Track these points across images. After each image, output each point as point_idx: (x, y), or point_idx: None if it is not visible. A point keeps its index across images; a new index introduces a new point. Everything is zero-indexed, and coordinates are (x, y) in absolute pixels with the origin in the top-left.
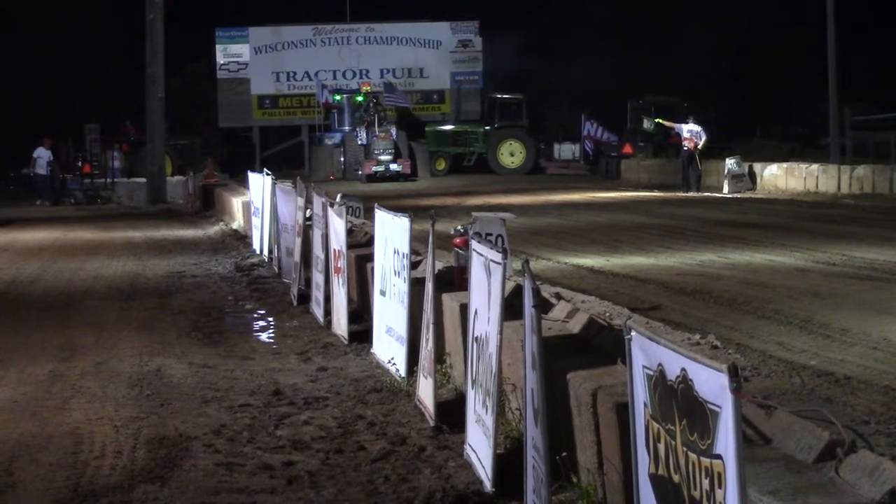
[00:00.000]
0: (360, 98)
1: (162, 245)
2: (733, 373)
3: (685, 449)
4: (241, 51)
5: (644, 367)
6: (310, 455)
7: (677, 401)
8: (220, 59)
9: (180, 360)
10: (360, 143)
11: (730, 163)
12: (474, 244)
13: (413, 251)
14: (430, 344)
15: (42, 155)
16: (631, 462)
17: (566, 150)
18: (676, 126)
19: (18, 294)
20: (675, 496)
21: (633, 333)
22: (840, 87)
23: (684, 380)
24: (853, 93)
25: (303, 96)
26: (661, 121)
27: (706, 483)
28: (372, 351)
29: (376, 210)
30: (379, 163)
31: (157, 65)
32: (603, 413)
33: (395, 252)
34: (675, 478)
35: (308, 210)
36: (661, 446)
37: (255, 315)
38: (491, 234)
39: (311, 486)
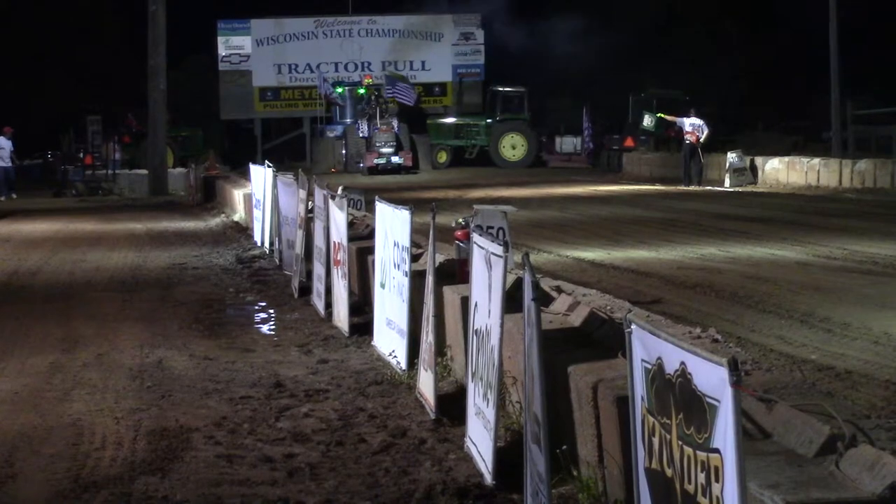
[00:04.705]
0: (361, 90)
1: (163, 237)
2: (733, 366)
3: (680, 443)
4: (243, 43)
5: (643, 360)
6: (310, 447)
7: (674, 394)
8: (221, 51)
9: (181, 352)
10: (361, 135)
11: (731, 156)
12: (475, 237)
13: (414, 244)
14: (431, 337)
15: (4, 145)
16: (631, 456)
17: (568, 144)
18: (678, 120)
19: (20, 285)
20: (667, 490)
21: (633, 327)
22: (842, 80)
23: (683, 373)
24: (855, 87)
25: (304, 88)
26: (662, 115)
27: (702, 477)
28: (373, 343)
29: (377, 202)
30: (380, 155)
31: (159, 56)
32: (603, 406)
33: (395, 245)
34: (668, 472)
35: (309, 202)
36: (656, 440)
37: (257, 307)
38: (492, 227)
39: (311, 478)
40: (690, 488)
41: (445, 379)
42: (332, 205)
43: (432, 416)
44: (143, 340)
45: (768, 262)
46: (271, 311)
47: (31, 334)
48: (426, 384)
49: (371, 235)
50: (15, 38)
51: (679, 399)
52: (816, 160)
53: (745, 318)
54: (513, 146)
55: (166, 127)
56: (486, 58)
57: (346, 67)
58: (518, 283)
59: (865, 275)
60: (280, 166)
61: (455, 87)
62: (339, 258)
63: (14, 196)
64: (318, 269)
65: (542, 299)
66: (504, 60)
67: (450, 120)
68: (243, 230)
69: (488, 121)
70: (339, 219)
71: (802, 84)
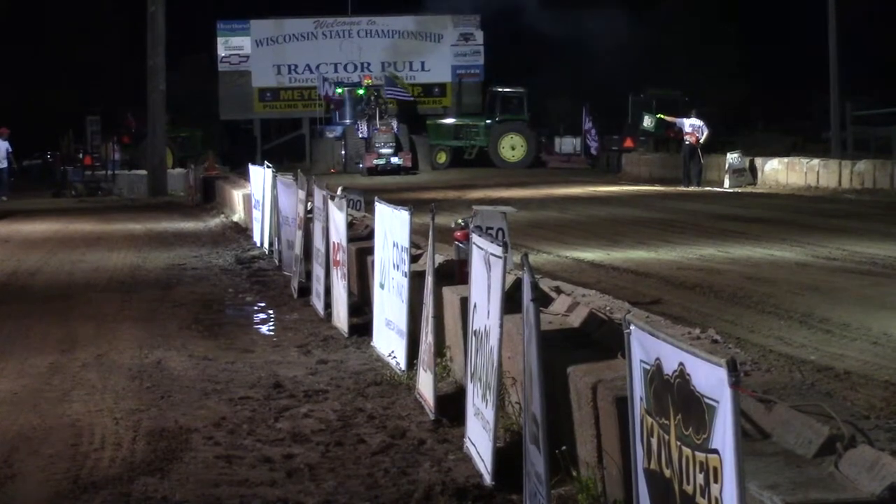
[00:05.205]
0: (361, 91)
1: (162, 237)
2: (732, 367)
3: (679, 443)
4: (243, 43)
5: (642, 361)
6: (310, 448)
7: (673, 395)
8: (221, 52)
9: (180, 353)
10: (361, 136)
11: (731, 157)
12: (475, 237)
13: (414, 244)
14: (430, 337)
15: (0, 146)
16: (630, 456)
17: (567, 144)
18: (678, 121)
19: (19, 286)
20: (666, 491)
21: (632, 327)
22: (841, 81)
23: (681, 374)
24: (855, 87)
25: (304, 89)
26: (662, 116)
27: (700, 478)
28: (372, 344)
29: (376, 203)
30: (380, 156)
31: (159, 57)
32: (603, 407)
33: (394, 245)
34: (667, 472)
35: (309, 203)
36: (655, 441)
37: (256, 308)
38: (492, 228)
39: (310, 478)
40: (689, 489)
41: (445, 379)
42: (331, 205)
43: (431, 416)
44: (142, 341)
45: (767, 263)
46: (270, 311)
47: (30, 335)
48: (425, 385)
49: (370, 236)
50: (15, 38)
51: (678, 400)
52: (816, 161)
53: (745, 319)
54: (512, 147)
55: (165, 127)
56: (485, 58)
57: (345, 68)
58: (517, 283)
59: (865, 275)
60: (279, 167)
61: (454, 88)
62: (338, 259)
63: (4, 199)
64: (318, 269)
65: (542, 300)
66: (503, 60)
67: (449, 121)
68: (242, 231)
69: (487, 121)
70: (338, 219)
71: (802, 84)
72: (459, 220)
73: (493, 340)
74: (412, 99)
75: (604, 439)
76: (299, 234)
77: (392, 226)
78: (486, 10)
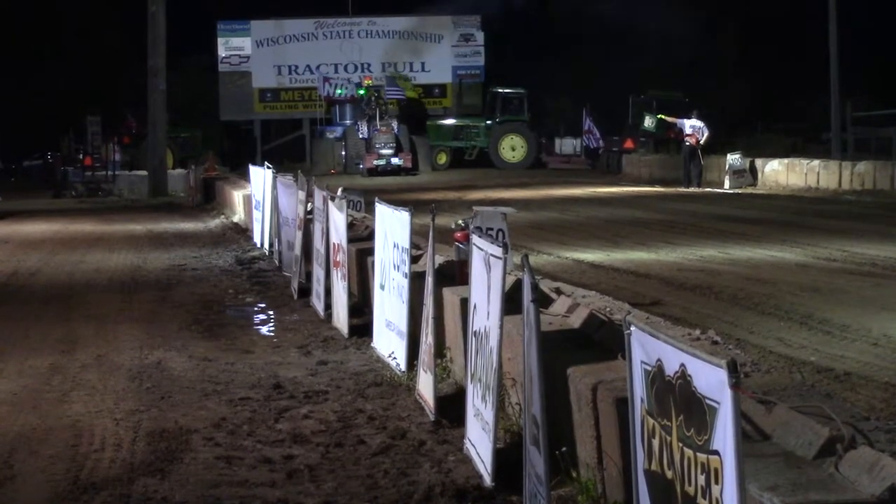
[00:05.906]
0: (361, 91)
1: (163, 238)
2: (733, 368)
3: (680, 444)
4: (243, 44)
5: (642, 362)
6: (310, 449)
7: (674, 396)
8: (221, 53)
9: (181, 353)
10: (361, 136)
11: (731, 158)
12: (475, 238)
13: (414, 245)
14: (430, 338)
15: None
16: (630, 457)
17: (567, 145)
18: (679, 121)
19: (19, 286)
20: (667, 492)
21: (633, 328)
22: (842, 82)
23: (683, 375)
24: (855, 88)
25: (304, 90)
26: (663, 117)
27: (702, 479)
28: (372, 345)
29: (376, 204)
30: (380, 156)
31: (159, 57)
32: (603, 408)
33: (394, 246)
34: (669, 473)
35: (309, 204)
36: (656, 442)
37: (256, 308)
38: (492, 229)
39: (310, 479)
40: (690, 490)
41: (445, 380)
42: (331, 206)
43: (431, 417)
44: (142, 341)
45: (768, 264)
46: (271, 312)
47: (30, 335)
48: (425, 386)
49: (370, 237)
50: (15, 38)
51: (679, 401)
52: (816, 162)
53: (745, 320)
54: (512, 147)
55: (166, 128)
56: (485, 59)
57: (345, 69)
58: (517, 284)
59: (865, 276)
60: (279, 167)
61: (455, 89)
62: (338, 259)
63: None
64: (318, 270)
65: (542, 301)
66: (504, 60)
67: (449, 121)
68: (243, 231)
69: (488, 122)
70: (338, 220)
71: (802, 85)
72: (459, 221)
73: (493, 341)
74: (404, 102)
75: (604, 440)
76: (299, 234)
77: (392, 226)
78: (487, 8)
